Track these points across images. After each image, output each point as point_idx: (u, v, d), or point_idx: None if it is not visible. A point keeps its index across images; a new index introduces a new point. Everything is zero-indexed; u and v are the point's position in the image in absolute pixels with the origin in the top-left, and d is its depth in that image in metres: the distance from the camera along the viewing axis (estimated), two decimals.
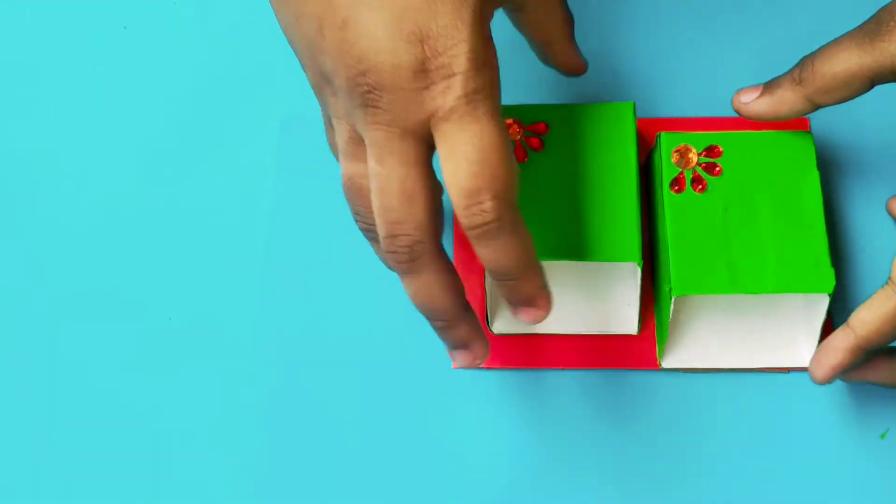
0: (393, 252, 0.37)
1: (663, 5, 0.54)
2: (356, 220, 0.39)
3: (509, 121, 0.46)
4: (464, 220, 0.36)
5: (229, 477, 0.47)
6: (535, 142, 0.46)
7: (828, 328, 0.45)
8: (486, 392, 0.47)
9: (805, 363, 0.46)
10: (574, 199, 0.44)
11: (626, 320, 0.47)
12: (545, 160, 0.45)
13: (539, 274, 0.39)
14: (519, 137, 0.46)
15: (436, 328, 0.40)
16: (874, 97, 0.43)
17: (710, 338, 0.47)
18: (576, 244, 0.44)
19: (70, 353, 0.49)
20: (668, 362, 0.47)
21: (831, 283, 0.42)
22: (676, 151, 0.45)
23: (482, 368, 0.48)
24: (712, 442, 0.46)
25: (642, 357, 0.48)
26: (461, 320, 0.39)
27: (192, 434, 0.47)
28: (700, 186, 0.45)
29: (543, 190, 0.45)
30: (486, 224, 0.35)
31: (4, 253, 0.51)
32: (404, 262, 0.37)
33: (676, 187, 0.45)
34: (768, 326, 0.47)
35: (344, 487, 0.46)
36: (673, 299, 0.43)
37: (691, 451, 0.46)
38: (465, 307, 0.40)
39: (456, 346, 0.41)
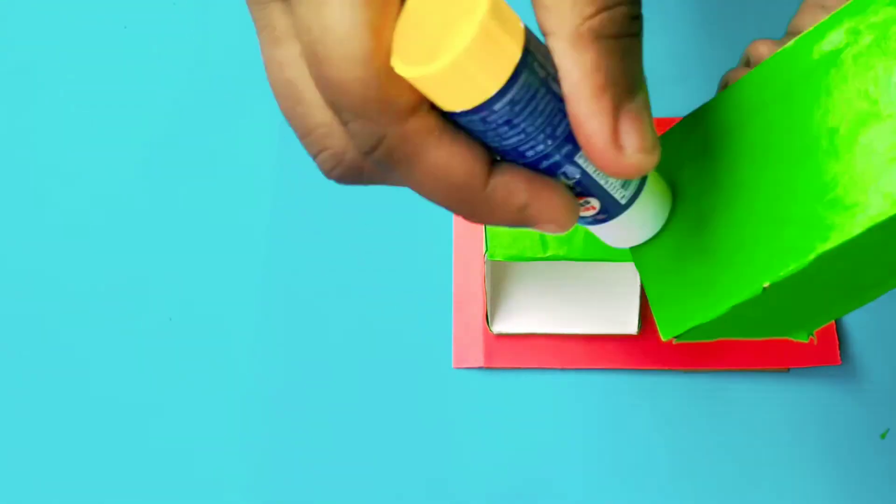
0: (355, 173, 0.26)
1: (667, 5, 0.54)
2: (301, 140, 0.27)
3: None
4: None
5: (229, 476, 0.47)
6: None
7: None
8: (486, 392, 0.48)
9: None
10: None
11: (626, 320, 0.47)
12: None
13: (504, 190, 0.26)
14: None
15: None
16: None
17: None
18: (577, 243, 0.44)
19: (70, 352, 0.49)
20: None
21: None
22: None
23: (482, 368, 0.48)
24: (712, 442, 0.46)
25: (642, 357, 0.48)
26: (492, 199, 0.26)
27: (193, 434, 0.47)
28: None
29: None
30: (366, 152, 0.25)
31: (4, 253, 0.51)
32: (391, 179, 0.26)
33: None
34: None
35: (344, 487, 0.46)
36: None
37: (691, 451, 0.46)
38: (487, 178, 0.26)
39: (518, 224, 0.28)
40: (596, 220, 0.29)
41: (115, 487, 0.47)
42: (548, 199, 0.26)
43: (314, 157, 0.26)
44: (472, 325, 0.48)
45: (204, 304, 0.50)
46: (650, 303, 0.32)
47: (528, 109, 0.24)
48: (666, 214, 0.30)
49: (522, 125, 0.24)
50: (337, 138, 0.26)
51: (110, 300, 0.50)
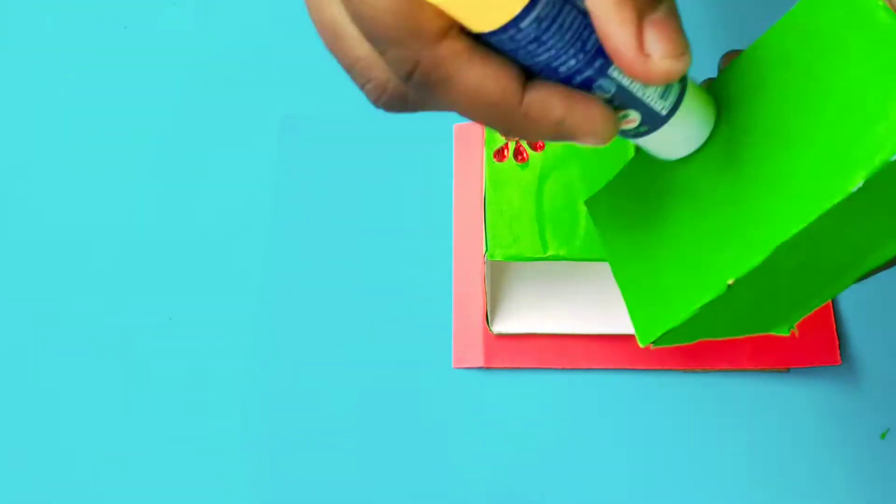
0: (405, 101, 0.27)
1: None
2: (348, 73, 0.28)
3: None
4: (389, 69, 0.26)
5: (230, 476, 0.47)
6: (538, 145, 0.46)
7: (824, 322, 0.44)
8: (486, 392, 0.47)
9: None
10: (582, 198, 0.44)
11: (626, 320, 0.47)
12: (547, 158, 0.45)
13: (540, 105, 0.27)
14: (517, 140, 0.46)
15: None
16: None
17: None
18: (576, 243, 0.44)
19: (70, 352, 0.49)
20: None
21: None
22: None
23: (482, 368, 0.48)
24: (712, 442, 0.46)
25: (642, 357, 0.48)
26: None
27: (193, 434, 0.47)
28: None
29: (551, 188, 0.44)
30: (405, 78, 0.26)
31: (4, 252, 0.51)
32: (431, 103, 0.27)
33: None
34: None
35: (344, 487, 0.46)
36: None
37: (691, 451, 0.46)
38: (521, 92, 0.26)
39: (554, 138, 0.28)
40: (638, 133, 0.29)
41: (115, 487, 0.47)
42: (584, 112, 0.27)
43: (361, 87, 0.27)
44: (472, 325, 0.48)
45: (204, 304, 0.50)
46: (629, 311, 0.32)
47: (555, 26, 0.25)
48: (711, 126, 0.30)
49: (550, 42, 0.25)
50: (379, 69, 0.27)
51: (110, 300, 0.50)
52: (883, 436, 0.46)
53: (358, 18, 0.25)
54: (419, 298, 0.49)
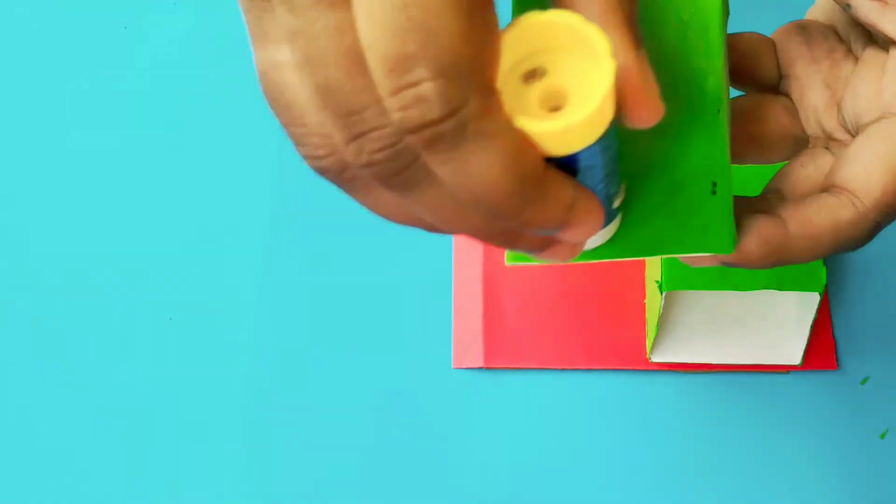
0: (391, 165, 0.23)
1: None
2: (297, 144, 0.24)
3: None
4: (393, 113, 0.22)
5: (229, 476, 0.47)
6: None
7: (820, 326, 0.45)
8: (486, 392, 0.48)
9: (796, 361, 0.46)
10: None
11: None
12: None
13: (557, 187, 0.25)
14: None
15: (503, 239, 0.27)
16: None
17: (699, 334, 0.47)
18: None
19: (70, 352, 0.49)
20: (657, 356, 0.47)
21: (822, 281, 0.42)
22: None
23: (482, 369, 0.48)
24: (712, 442, 0.46)
25: (642, 357, 0.48)
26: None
27: (193, 434, 0.47)
28: None
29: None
30: (428, 124, 0.22)
31: (4, 252, 0.51)
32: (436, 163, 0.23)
33: None
34: (758, 323, 0.47)
35: (344, 487, 0.46)
36: (663, 295, 0.43)
37: (690, 452, 0.46)
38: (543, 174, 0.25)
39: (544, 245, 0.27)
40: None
41: (115, 487, 0.47)
42: (587, 199, 0.26)
43: (365, 133, 0.23)
44: (472, 325, 0.48)
45: (204, 304, 0.50)
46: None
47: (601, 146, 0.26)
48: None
49: (594, 157, 0.26)
50: (379, 115, 0.23)
51: (110, 300, 0.50)
52: (882, 436, 0.46)
53: (403, 37, 0.21)
54: (419, 298, 0.49)
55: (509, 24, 0.24)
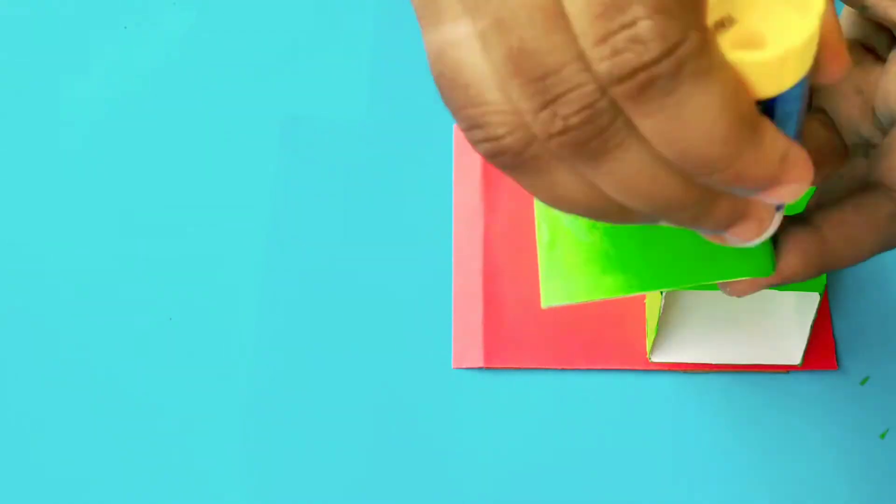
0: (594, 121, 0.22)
1: None
2: (472, 127, 0.23)
3: None
4: (599, 64, 0.21)
5: (229, 476, 0.47)
6: None
7: (820, 326, 0.45)
8: (486, 392, 0.48)
9: (796, 361, 0.46)
10: None
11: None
12: None
13: (772, 133, 0.23)
14: None
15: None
16: None
17: (699, 334, 0.47)
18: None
19: (70, 352, 0.49)
20: (657, 356, 0.47)
21: (822, 281, 0.42)
22: None
23: (481, 369, 0.48)
24: (712, 442, 0.46)
25: (642, 357, 0.48)
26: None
27: (192, 434, 0.47)
28: None
29: None
30: (642, 67, 0.21)
31: (4, 252, 0.51)
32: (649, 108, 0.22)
33: None
34: (758, 323, 0.47)
35: (344, 487, 0.46)
36: (663, 295, 0.43)
37: (691, 452, 0.46)
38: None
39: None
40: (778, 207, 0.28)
41: (115, 487, 0.47)
42: (800, 149, 0.24)
43: (561, 96, 0.21)
44: (471, 325, 0.48)
45: (204, 304, 0.50)
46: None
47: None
48: None
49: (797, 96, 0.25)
50: (580, 75, 0.21)
51: (110, 300, 0.50)
52: (882, 436, 0.46)
53: None
54: (419, 298, 0.49)
55: None
